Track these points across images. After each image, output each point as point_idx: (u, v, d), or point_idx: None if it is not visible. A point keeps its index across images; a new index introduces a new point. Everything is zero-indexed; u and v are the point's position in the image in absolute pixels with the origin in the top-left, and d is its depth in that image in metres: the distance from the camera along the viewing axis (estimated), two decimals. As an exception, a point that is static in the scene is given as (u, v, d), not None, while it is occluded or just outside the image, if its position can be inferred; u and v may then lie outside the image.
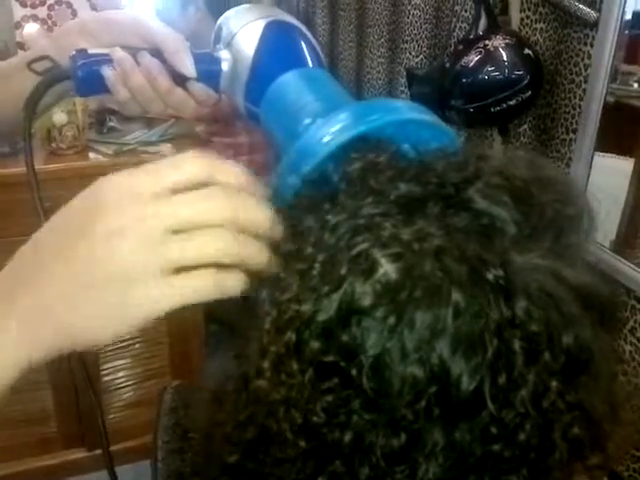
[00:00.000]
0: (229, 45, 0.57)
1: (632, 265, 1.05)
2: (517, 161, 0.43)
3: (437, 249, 0.36)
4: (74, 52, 0.56)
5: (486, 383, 0.35)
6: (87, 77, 0.56)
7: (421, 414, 0.36)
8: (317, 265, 0.38)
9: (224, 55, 0.57)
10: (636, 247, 1.12)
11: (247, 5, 0.60)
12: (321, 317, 0.37)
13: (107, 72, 0.55)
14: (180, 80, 0.56)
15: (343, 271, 0.37)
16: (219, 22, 0.60)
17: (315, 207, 0.41)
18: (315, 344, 0.37)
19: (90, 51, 0.56)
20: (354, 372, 0.36)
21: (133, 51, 0.56)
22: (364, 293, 0.36)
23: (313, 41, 0.58)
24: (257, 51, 0.55)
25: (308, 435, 0.37)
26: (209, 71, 0.57)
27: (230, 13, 0.59)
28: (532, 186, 0.41)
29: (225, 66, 0.57)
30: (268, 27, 0.56)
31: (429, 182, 0.40)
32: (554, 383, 0.36)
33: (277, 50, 0.57)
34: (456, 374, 0.35)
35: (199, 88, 0.57)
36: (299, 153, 0.44)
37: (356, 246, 0.37)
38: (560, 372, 0.36)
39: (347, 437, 0.37)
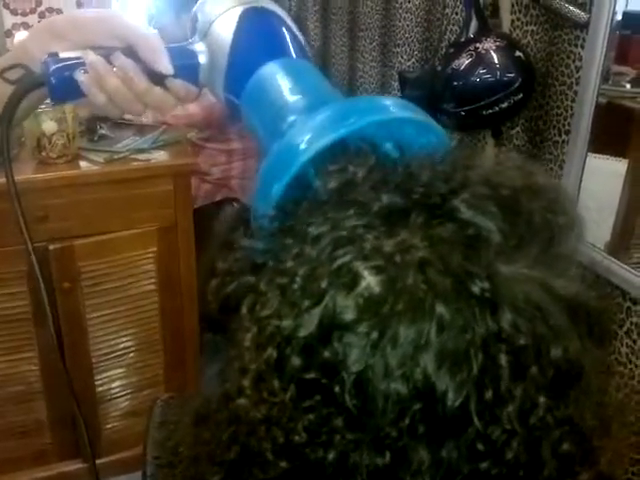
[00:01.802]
0: (206, 35, 0.55)
1: (627, 267, 1.04)
2: (506, 168, 0.42)
3: (421, 261, 0.35)
4: (46, 57, 0.53)
5: (472, 399, 0.34)
6: (61, 83, 0.53)
7: (405, 432, 0.35)
8: (298, 279, 0.37)
9: (200, 47, 0.55)
10: (631, 248, 1.11)
11: None
12: (302, 333, 0.36)
13: (81, 77, 0.53)
14: (157, 78, 0.54)
15: (324, 285, 0.36)
16: (194, 10, 0.57)
17: (296, 218, 0.40)
18: (296, 361, 0.36)
19: (62, 55, 0.54)
20: (336, 389, 0.35)
21: (106, 52, 0.54)
22: (346, 307, 0.35)
23: (295, 29, 0.56)
24: (235, 40, 0.53)
25: (290, 455, 0.36)
26: (187, 66, 0.55)
27: None
28: (520, 194, 0.39)
29: (202, 59, 0.55)
30: (246, 14, 0.54)
31: (413, 192, 0.39)
32: (542, 398, 0.35)
33: (256, 39, 0.55)
34: (441, 390, 0.34)
35: (178, 84, 0.55)
36: (279, 158, 0.43)
37: (338, 259, 0.36)
38: (548, 387, 0.35)
39: (330, 456, 0.36)
